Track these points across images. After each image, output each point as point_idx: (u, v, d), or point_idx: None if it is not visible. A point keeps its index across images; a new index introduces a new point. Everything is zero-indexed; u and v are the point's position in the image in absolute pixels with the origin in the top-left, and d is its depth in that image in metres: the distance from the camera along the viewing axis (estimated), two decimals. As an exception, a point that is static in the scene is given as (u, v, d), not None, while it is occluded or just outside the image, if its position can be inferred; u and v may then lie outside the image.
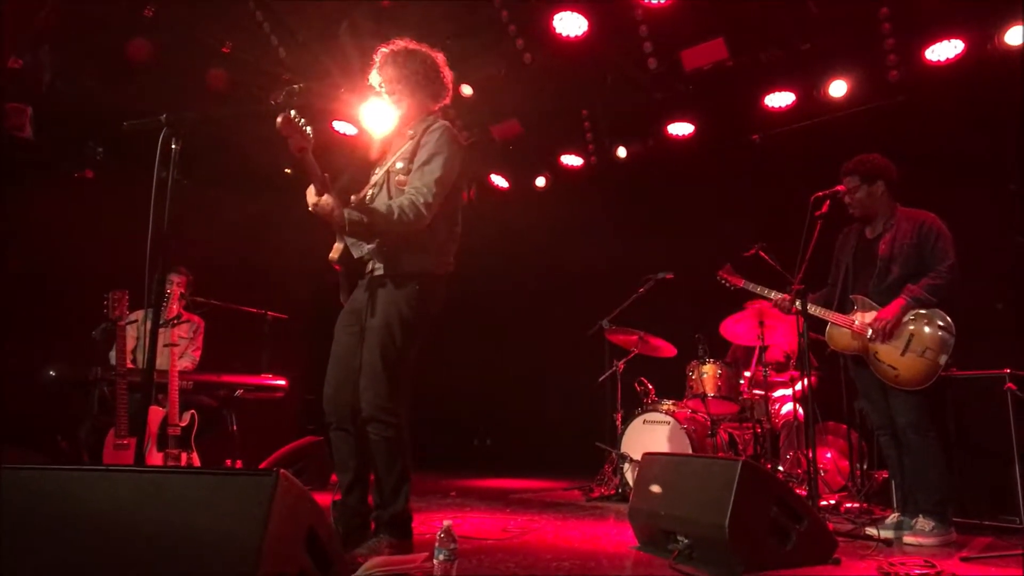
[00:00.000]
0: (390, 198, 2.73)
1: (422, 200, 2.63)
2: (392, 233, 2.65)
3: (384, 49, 2.86)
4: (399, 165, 2.76)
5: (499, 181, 7.60)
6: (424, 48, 2.89)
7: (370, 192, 2.82)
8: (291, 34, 5.54)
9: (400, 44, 2.86)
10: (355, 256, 2.79)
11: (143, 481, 1.63)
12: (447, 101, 2.94)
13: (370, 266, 2.79)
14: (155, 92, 5.42)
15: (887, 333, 3.32)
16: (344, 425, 2.77)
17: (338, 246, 2.64)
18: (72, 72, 5.36)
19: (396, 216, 2.59)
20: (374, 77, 2.87)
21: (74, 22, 5.03)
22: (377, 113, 5.35)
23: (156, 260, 2.22)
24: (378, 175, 2.86)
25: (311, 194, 2.55)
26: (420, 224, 2.66)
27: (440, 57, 2.91)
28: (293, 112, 2.32)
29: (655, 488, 2.86)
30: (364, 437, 2.73)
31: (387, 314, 2.68)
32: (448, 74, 2.92)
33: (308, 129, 2.37)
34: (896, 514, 3.43)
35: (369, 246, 2.73)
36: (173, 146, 2.26)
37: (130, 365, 4.50)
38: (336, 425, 2.78)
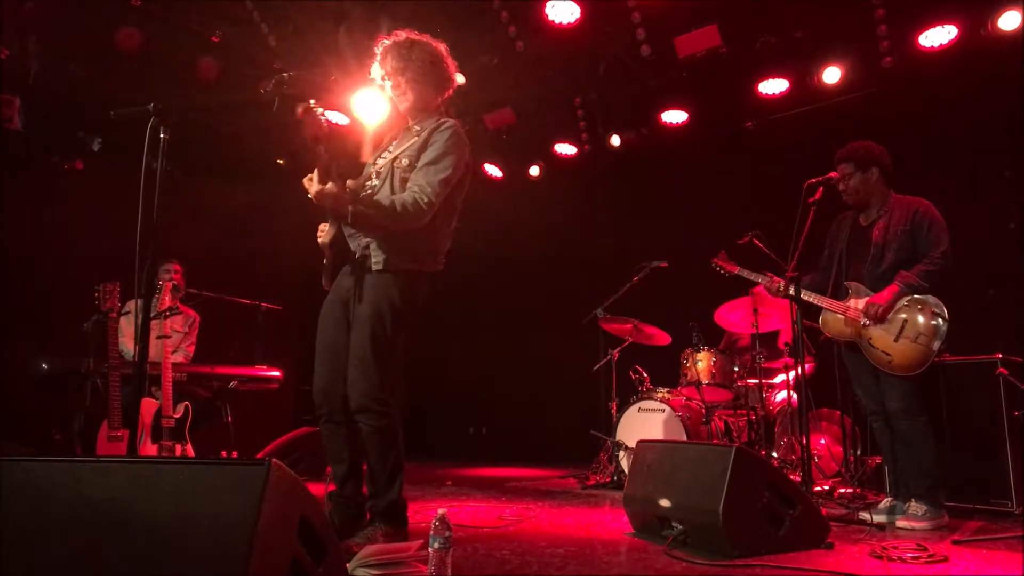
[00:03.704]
0: (392, 193, 2.69)
1: (425, 199, 2.60)
2: (392, 228, 2.63)
3: (386, 41, 2.80)
4: (404, 162, 2.71)
5: (492, 170, 7.58)
6: (427, 38, 2.83)
7: (372, 184, 2.76)
8: (281, 23, 5.49)
9: (403, 35, 2.80)
10: (352, 249, 2.76)
11: (136, 471, 1.62)
12: (451, 92, 2.88)
13: (358, 252, 2.74)
14: (144, 82, 5.38)
15: (879, 317, 3.34)
16: (337, 417, 2.73)
17: (330, 230, 2.61)
18: (60, 62, 5.30)
19: (398, 210, 2.57)
20: (376, 70, 2.81)
21: (62, 11, 4.97)
22: (370, 103, 5.34)
23: (146, 251, 2.20)
24: (379, 166, 2.80)
25: (313, 182, 2.48)
26: (420, 222, 2.63)
27: (443, 47, 2.86)
28: (313, 102, 2.38)
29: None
30: (356, 428, 2.70)
31: (378, 303, 2.65)
32: (452, 64, 2.87)
33: (324, 119, 2.42)
34: (889, 499, 3.45)
35: (367, 240, 2.71)
36: (162, 135, 2.24)
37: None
38: (328, 417, 2.75)
